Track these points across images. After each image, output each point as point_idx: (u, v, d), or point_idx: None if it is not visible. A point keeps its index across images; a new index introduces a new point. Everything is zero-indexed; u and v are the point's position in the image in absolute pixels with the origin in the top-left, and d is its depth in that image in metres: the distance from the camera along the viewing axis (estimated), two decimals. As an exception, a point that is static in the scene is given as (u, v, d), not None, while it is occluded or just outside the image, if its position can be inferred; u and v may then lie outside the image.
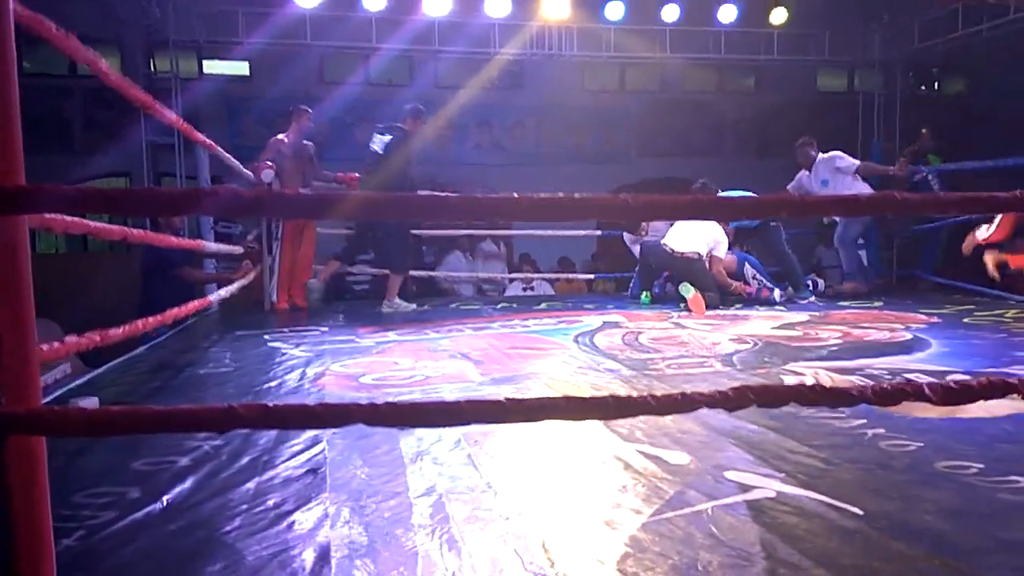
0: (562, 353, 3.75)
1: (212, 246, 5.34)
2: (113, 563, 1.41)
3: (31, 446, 1.23)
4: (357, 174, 6.13)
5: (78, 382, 3.14)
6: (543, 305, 6.03)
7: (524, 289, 7.93)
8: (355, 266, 7.37)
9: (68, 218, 2.02)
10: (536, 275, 8.30)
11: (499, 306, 6.11)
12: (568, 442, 2.17)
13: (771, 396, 1.27)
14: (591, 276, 8.35)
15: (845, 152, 6.40)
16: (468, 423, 1.32)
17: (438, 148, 11.24)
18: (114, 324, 2.41)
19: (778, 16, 9.02)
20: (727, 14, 8.79)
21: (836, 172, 6.25)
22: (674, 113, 11.38)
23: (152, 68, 8.64)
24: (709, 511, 1.65)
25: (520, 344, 4.08)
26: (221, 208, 1.21)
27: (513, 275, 8.38)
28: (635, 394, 1.24)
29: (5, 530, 1.21)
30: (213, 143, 4.75)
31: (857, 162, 6.31)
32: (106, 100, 8.73)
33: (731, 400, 1.24)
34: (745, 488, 1.79)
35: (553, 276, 8.44)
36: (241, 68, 10.39)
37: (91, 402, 2.48)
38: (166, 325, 3.32)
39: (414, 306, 5.90)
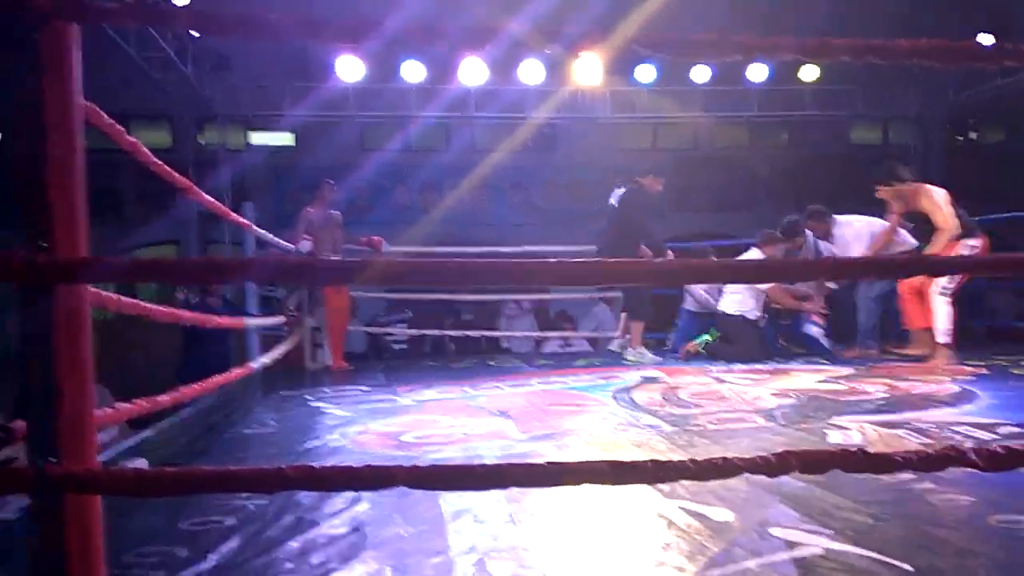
0: (601, 410, 3.73)
1: (254, 321, 5.49)
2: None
3: (87, 505, 1.28)
4: (381, 237, 6.34)
5: (126, 444, 3.22)
6: (582, 362, 6.02)
7: (562, 346, 7.92)
8: (392, 326, 7.48)
9: (123, 299, 2.12)
10: (572, 334, 8.30)
11: (538, 363, 6.12)
12: (610, 498, 2.15)
13: (814, 462, 1.27)
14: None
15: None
16: (509, 486, 1.34)
17: (473, 209, 11.46)
18: (158, 386, 2.49)
19: (809, 73, 9.14)
20: (757, 73, 8.94)
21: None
22: (707, 169, 11.48)
23: (202, 140, 9.03)
24: (754, 568, 1.62)
25: (558, 401, 4.08)
26: (267, 276, 1.27)
27: (549, 334, 8.39)
28: (676, 455, 1.26)
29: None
30: (248, 222, 4.93)
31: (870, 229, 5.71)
32: (155, 173, 9.09)
33: (773, 466, 1.24)
34: (791, 545, 1.76)
35: (589, 335, 8.42)
36: (286, 139, 10.80)
37: (140, 464, 2.55)
38: (210, 392, 3.40)
39: (659, 359, 5.75)
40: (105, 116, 1.85)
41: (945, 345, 4.96)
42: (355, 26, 1.35)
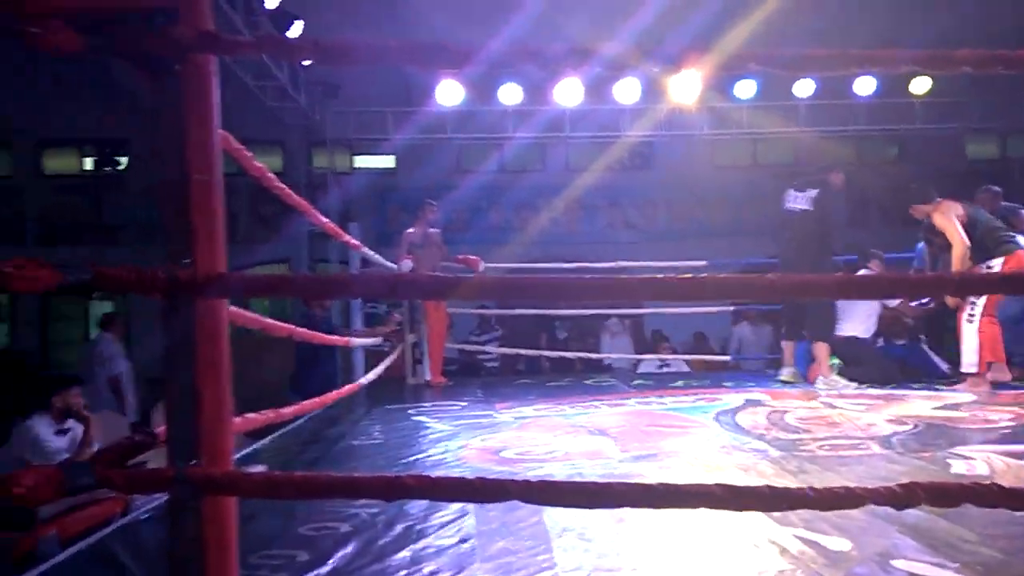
0: (703, 431, 3.66)
1: (358, 341, 5.68)
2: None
3: (224, 506, 1.35)
4: (478, 257, 6.40)
5: (244, 452, 3.38)
6: (680, 382, 5.91)
7: (659, 367, 7.81)
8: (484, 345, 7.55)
9: (247, 314, 2.25)
10: (672, 356, 8.16)
11: (634, 383, 6.04)
12: (718, 522, 2.10)
13: (943, 494, 1.21)
14: (727, 357, 8.13)
15: None
16: (622, 506, 1.33)
17: (569, 228, 11.50)
18: (269, 398, 2.62)
19: (920, 85, 8.73)
20: (865, 86, 8.60)
21: None
22: (811, 186, 11.08)
23: (311, 164, 9.46)
24: (877, 600, 1.55)
25: (658, 422, 4.02)
26: (381, 292, 1.32)
27: (647, 356, 8.28)
28: (785, 481, 1.22)
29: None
30: (358, 242, 5.12)
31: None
32: (269, 195, 9.61)
33: (899, 497, 1.18)
34: (916, 578, 1.67)
35: (689, 357, 8.26)
36: (388, 162, 11.18)
37: (260, 469, 2.67)
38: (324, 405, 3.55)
39: (854, 385, 5.06)
40: (235, 142, 1.97)
41: (977, 374, 4.68)
42: (462, 51, 1.40)
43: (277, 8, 6.49)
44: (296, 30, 6.71)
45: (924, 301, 5.64)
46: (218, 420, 1.35)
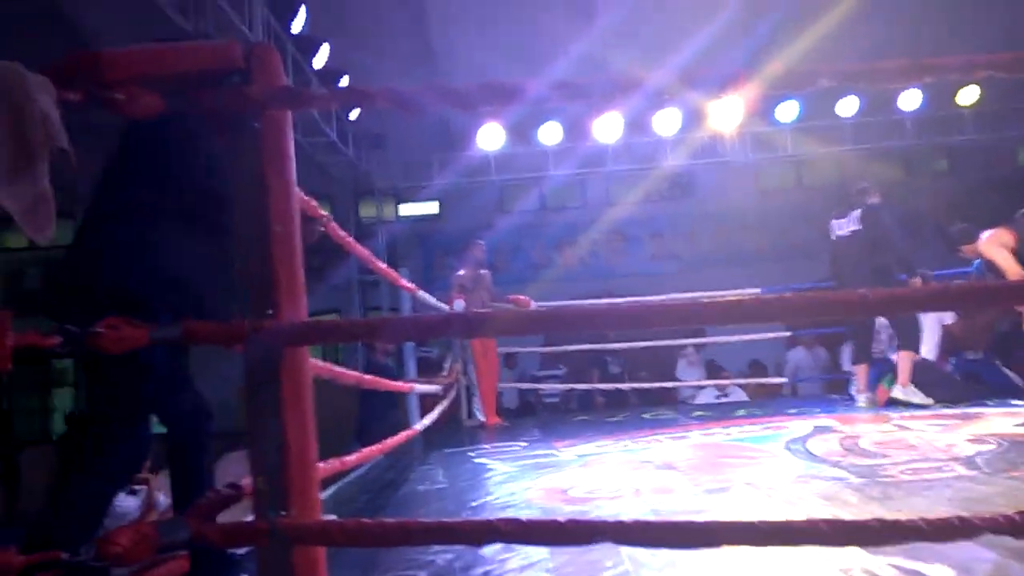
0: (774, 461, 3.55)
1: (421, 388, 5.70)
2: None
3: (314, 556, 1.35)
4: (528, 298, 6.38)
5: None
6: (742, 412, 5.78)
7: (717, 397, 7.65)
8: (546, 381, 7.48)
9: (321, 364, 2.26)
10: (729, 381, 8.01)
11: (694, 414, 5.93)
12: (807, 552, 2.02)
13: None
14: (784, 380, 7.95)
15: None
16: (722, 544, 1.28)
17: (611, 261, 11.46)
18: (332, 446, 2.61)
19: (968, 95, 8.56)
20: (911, 100, 8.47)
21: None
22: (860, 205, 10.88)
23: (358, 214, 9.65)
24: (995, 632, 1.46)
25: (726, 453, 3.92)
26: (421, 332, 1.32)
27: (709, 382, 8.14)
28: (872, 507, 1.17)
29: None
30: (413, 286, 5.17)
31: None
32: (318, 247, 9.84)
33: (1019, 526, 1.12)
34: (1032, 606, 1.57)
35: (747, 381, 8.09)
36: (432, 207, 11.33)
37: (331, 519, 2.66)
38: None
39: (931, 400, 4.97)
40: (305, 197, 2.01)
41: None
42: (514, 90, 1.41)
43: (323, 68, 6.70)
44: (344, 84, 6.90)
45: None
46: (305, 470, 1.35)
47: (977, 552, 1.94)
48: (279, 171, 1.40)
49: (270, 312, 1.35)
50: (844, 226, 5.29)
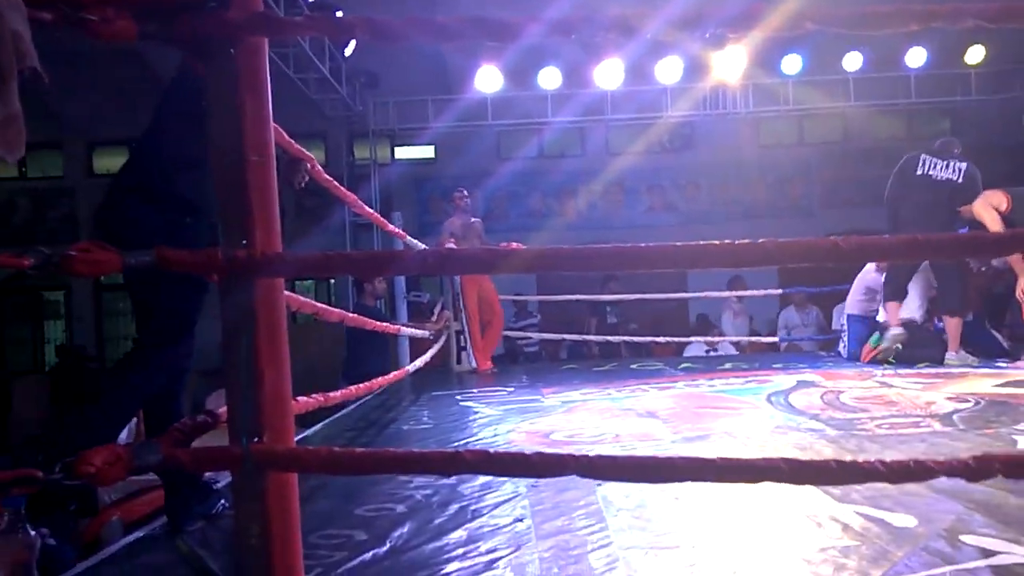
0: (755, 412, 3.60)
1: (408, 330, 5.72)
2: (349, 597, 1.52)
3: (287, 482, 1.37)
4: (520, 244, 6.35)
5: (297, 438, 3.43)
6: (728, 365, 5.83)
7: (707, 351, 7.72)
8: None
9: (300, 299, 2.27)
10: (720, 338, 8.05)
11: (681, 366, 5.98)
12: (776, 500, 2.07)
13: (1021, 465, 1.16)
14: (775, 339, 8.00)
15: None
16: (680, 480, 1.31)
17: (609, 212, 11.40)
18: (321, 386, 2.64)
19: (975, 55, 8.42)
20: (916, 57, 8.33)
21: None
22: (861, 163, 10.80)
23: (352, 155, 9.55)
24: (948, 575, 1.51)
25: (709, 404, 3.97)
26: (416, 267, 1.32)
27: (696, 338, 8.19)
28: (850, 457, 1.18)
29: (266, 561, 1.34)
30: (405, 229, 5.15)
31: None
32: (312, 189, 9.79)
33: (972, 469, 1.14)
34: (988, 553, 1.62)
35: (739, 339, 8.13)
36: (427, 152, 11.22)
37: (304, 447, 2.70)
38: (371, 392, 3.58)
39: (978, 360, 4.97)
40: (286, 135, 1.99)
41: None
42: (508, 25, 1.38)
43: (317, 3, 6.55)
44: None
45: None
46: (279, 398, 1.36)
47: (941, 503, 1.99)
48: (255, 100, 1.38)
49: (244, 243, 1.34)
50: (941, 170, 5.09)
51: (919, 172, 5.11)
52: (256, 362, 1.33)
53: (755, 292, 8.25)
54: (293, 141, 2.42)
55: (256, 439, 1.32)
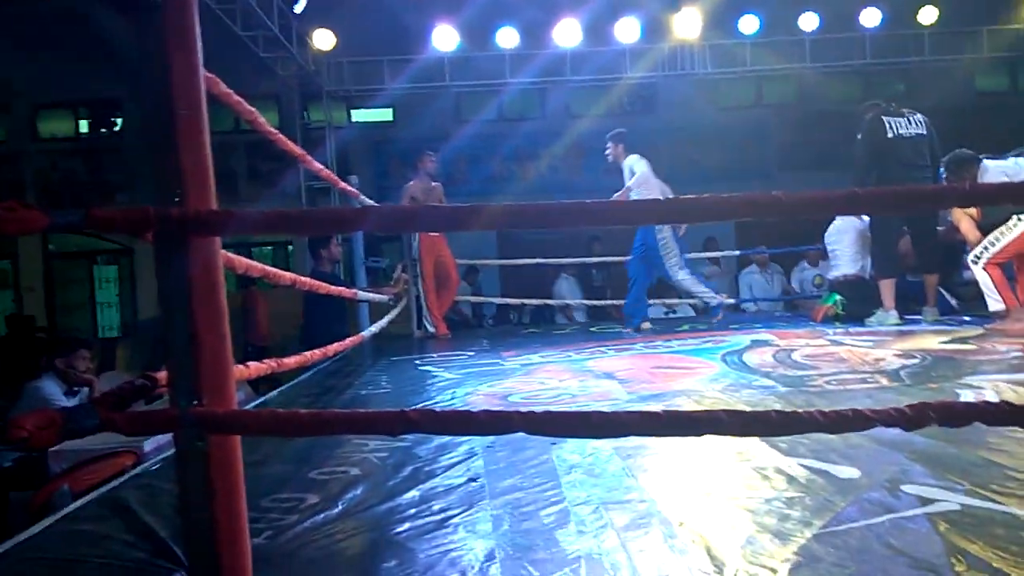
0: (710, 371, 3.65)
1: (365, 295, 5.66)
2: (300, 560, 1.51)
3: (229, 446, 1.34)
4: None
5: (252, 404, 3.39)
6: (686, 326, 5.91)
7: (666, 313, 7.79)
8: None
9: (246, 260, 2.21)
10: (678, 300, 8.12)
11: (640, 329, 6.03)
12: (725, 455, 2.11)
13: (953, 414, 1.19)
14: (731, 300, 8.09)
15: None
16: (627, 434, 1.32)
17: (570, 176, 11.37)
18: (280, 354, 2.60)
19: (928, 15, 8.50)
20: (870, 18, 8.39)
21: None
22: (817, 125, 10.90)
23: (307, 118, 9.33)
24: (887, 523, 1.55)
25: (665, 363, 4.02)
26: (382, 224, 1.28)
27: (655, 300, 8.24)
28: (799, 410, 1.20)
29: (209, 524, 1.32)
30: (356, 190, 5.05)
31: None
32: (266, 152, 9.57)
33: (908, 418, 1.16)
34: (926, 501, 1.67)
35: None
36: (385, 114, 11.02)
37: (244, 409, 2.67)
38: (328, 357, 3.54)
39: (896, 320, 4.99)
40: (224, 86, 1.92)
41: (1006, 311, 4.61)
42: None
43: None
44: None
45: None
46: (218, 360, 1.33)
47: (884, 455, 2.04)
48: (184, 51, 1.32)
49: (176, 200, 1.30)
50: (906, 127, 5.12)
51: (890, 135, 5.11)
52: (193, 323, 1.30)
53: (717, 254, 8.34)
54: (243, 100, 2.34)
55: (196, 402, 1.29)
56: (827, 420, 1.20)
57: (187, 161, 1.29)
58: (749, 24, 8.24)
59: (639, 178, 5.76)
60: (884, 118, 5.17)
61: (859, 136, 5.24)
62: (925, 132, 5.14)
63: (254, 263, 2.19)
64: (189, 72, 1.30)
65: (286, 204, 8.83)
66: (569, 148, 11.22)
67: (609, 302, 7.95)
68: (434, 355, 4.90)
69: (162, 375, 1.46)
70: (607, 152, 6.02)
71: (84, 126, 11.86)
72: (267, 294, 7.89)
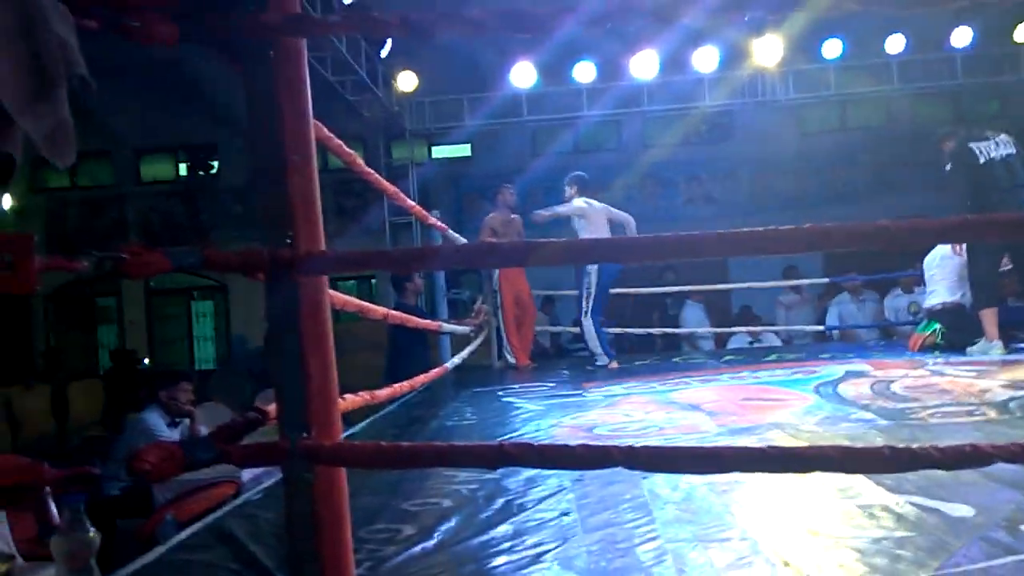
0: (803, 404, 3.53)
1: (448, 327, 5.76)
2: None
3: (335, 478, 1.39)
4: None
5: (344, 435, 3.47)
6: (774, 356, 5.74)
7: (750, 343, 7.60)
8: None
9: (344, 296, 2.29)
10: (763, 328, 7.93)
11: (725, 359, 5.91)
12: (827, 492, 2.03)
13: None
14: (821, 328, 7.83)
15: None
16: (730, 470, 1.29)
17: (646, 206, 11.30)
18: (361, 388, 2.66)
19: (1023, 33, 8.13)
20: (961, 37, 8.07)
21: None
22: (905, 147, 10.52)
23: (390, 156, 9.64)
24: (1010, 565, 1.46)
25: (754, 395, 3.92)
26: (452, 261, 1.31)
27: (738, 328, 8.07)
28: (905, 445, 1.15)
29: (315, 554, 1.36)
30: (444, 224, 5.17)
31: None
32: (351, 190, 9.95)
33: (1032, 454, 1.11)
34: (1051, 543, 1.57)
35: (782, 328, 7.98)
36: (463, 150, 11.25)
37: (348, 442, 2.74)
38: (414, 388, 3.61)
39: (1001, 350, 4.74)
40: (326, 131, 2.01)
41: None
42: (544, 17, 1.37)
43: (353, 3, 6.62)
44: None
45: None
46: (325, 393, 1.38)
47: (999, 492, 1.93)
48: (294, 99, 1.40)
49: (288, 242, 1.36)
50: (994, 149, 4.88)
51: (983, 161, 4.87)
52: (302, 358, 1.35)
53: (803, 281, 8.11)
54: (343, 144, 2.43)
55: (304, 435, 1.34)
56: (943, 456, 1.15)
57: (298, 204, 1.36)
58: (833, 48, 8.06)
59: (570, 209, 5.83)
60: (971, 145, 4.94)
61: (948, 167, 5.02)
62: (1015, 151, 4.88)
63: (350, 298, 2.26)
64: (300, 119, 1.37)
65: (370, 239, 9.09)
66: (645, 178, 11.18)
67: (743, 329, 7.81)
68: (516, 386, 4.91)
69: (271, 408, 1.52)
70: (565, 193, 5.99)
71: (183, 169, 12.56)
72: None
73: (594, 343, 5.73)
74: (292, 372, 1.36)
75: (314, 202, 1.42)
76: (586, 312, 5.71)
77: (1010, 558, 1.50)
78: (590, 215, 5.77)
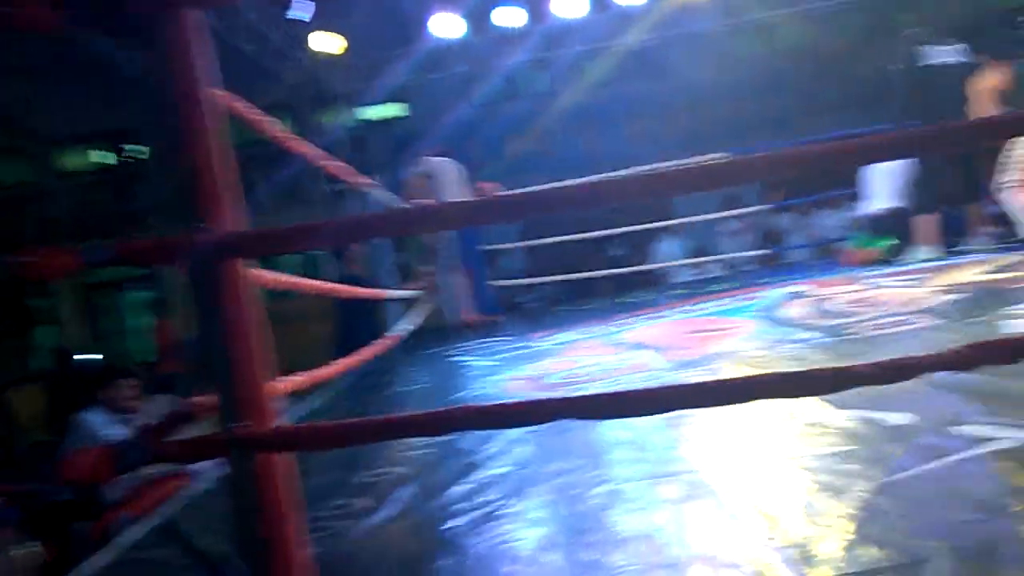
0: (747, 330, 3.61)
1: (392, 293, 5.68)
2: (361, 565, 1.53)
3: (279, 462, 1.36)
4: (494, 183, 6.29)
5: (297, 415, 3.43)
6: (717, 287, 5.84)
7: (696, 274, 7.71)
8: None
9: (276, 275, 2.22)
10: (712, 258, 7.99)
11: (670, 294, 6.00)
12: (774, 415, 2.08)
13: (1008, 349, 1.16)
14: (768, 251, 7.96)
15: None
16: (672, 409, 1.31)
17: (590, 148, 11.28)
18: (313, 357, 2.61)
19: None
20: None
21: None
22: (838, 67, 10.57)
23: (320, 122, 9.39)
24: (943, 468, 1.52)
25: (700, 327, 3.98)
26: (407, 228, 1.28)
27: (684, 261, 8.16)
28: (845, 362, 1.17)
29: (265, 543, 1.34)
30: (374, 181, 5.06)
31: None
32: (283, 162, 9.67)
33: (963, 359, 1.14)
34: (982, 440, 1.63)
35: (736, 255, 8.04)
36: (399, 109, 10.98)
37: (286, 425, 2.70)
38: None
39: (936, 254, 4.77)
40: (240, 102, 1.91)
41: None
42: None
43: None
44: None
45: None
46: (256, 380, 1.34)
47: (939, 397, 2.00)
48: (194, 75, 1.32)
49: (201, 225, 1.30)
50: (946, 55, 4.79)
51: (926, 64, 4.81)
52: (230, 346, 1.31)
53: (748, 209, 8.20)
54: (263, 115, 2.33)
55: (239, 424, 1.31)
56: (880, 370, 1.18)
57: (207, 184, 1.29)
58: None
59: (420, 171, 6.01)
60: (923, 48, 4.85)
61: (892, 67, 4.98)
62: (966, 60, 4.79)
63: (282, 277, 2.20)
64: (201, 95, 1.30)
65: (309, 213, 8.90)
66: (584, 119, 11.10)
67: (711, 258, 7.80)
68: (467, 344, 4.91)
69: (203, 400, 1.48)
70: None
71: (112, 158, 12.04)
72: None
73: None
74: (221, 361, 1.32)
75: (226, 179, 1.35)
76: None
77: (942, 460, 1.56)
78: (441, 179, 5.82)
